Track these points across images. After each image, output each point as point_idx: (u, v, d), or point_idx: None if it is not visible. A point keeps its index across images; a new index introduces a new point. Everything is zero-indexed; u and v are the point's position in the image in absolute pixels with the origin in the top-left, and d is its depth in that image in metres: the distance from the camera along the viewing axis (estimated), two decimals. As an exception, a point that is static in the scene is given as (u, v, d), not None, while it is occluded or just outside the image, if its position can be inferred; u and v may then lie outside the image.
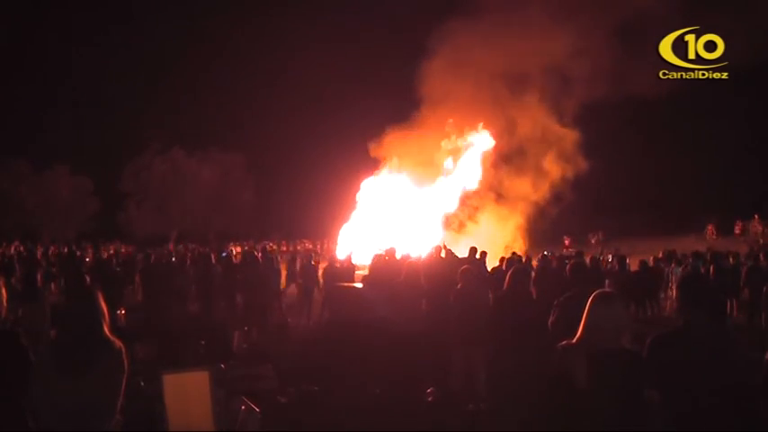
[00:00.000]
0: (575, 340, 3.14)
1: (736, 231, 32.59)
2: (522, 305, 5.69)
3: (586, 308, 3.13)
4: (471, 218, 23.65)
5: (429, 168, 24.02)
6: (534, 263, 13.20)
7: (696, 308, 3.05)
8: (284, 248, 27.06)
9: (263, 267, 12.25)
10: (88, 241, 29.42)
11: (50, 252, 22.12)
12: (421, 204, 23.20)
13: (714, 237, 31.99)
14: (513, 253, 14.41)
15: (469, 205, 23.84)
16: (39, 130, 44.78)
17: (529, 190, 22.48)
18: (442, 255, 11.30)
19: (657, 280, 13.64)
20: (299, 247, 27.92)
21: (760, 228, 30.63)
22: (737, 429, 2.88)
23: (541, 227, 23.34)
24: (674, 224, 32.45)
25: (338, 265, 13.29)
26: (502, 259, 12.35)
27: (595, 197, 34.33)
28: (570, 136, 21.91)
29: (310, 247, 28.09)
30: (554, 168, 22.05)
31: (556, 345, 3.25)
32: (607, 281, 11.99)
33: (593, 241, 31.01)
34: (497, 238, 21.97)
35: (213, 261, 13.08)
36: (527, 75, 22.14)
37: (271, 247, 30.19)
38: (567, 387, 3.04)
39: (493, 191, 23.49)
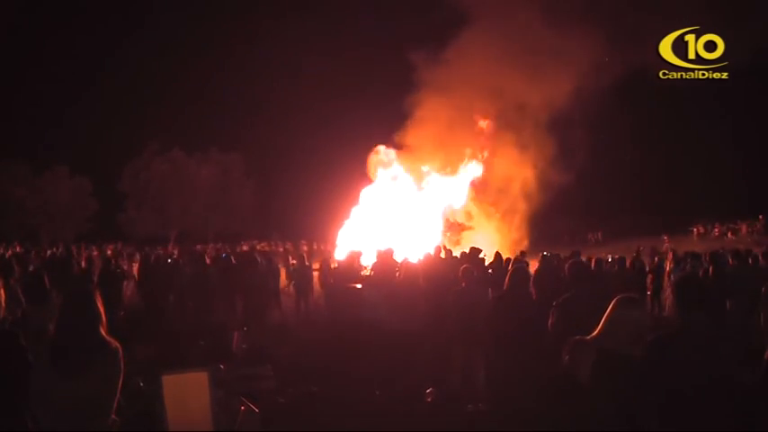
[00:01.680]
0: (589, 337, 3.14)
1: (715, 233, 32.94)
2: (521, 305, 5.68)
3: (608, 309, 3.13)
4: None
5: (433, 163, 24.07)
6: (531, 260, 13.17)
7: (693, 309, 3.03)
8: (266, 249, 26.89)
9: (263, 268, 12.25)
10: (85, 242, 29.40)
11: (52, 252, 22.06)
12: (422, 203, 23.20)
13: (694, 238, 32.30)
14: (522, 252, 14.42)
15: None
16: (38, 131, 44.82)
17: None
18: (442, 255, 11.26)
19: (658, 279, 13.59)
20: (281, 249, 27.68)
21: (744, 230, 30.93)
22: (736, 430, 2.88)
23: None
24: (671, 224, 32.62)
25: (340, 266, 13.17)
26: (497, 255, 12.25)
27: (595, 197, 34.42)
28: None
29: (291, 248, 27.61)
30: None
31: (556, 345, 3.25)
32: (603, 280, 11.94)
33: (591, 240, 30.98)
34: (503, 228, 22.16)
35: (208, 262, 13.06)
36: (526, 75, 22.14)
37: (263, 247, 30.03)
38: (570, 382, 3.04)
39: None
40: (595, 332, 3.13)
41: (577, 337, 3.20)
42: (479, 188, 24.35)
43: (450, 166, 24.31)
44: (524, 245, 21.03)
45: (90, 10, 48.32)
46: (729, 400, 2.86)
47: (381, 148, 23.91)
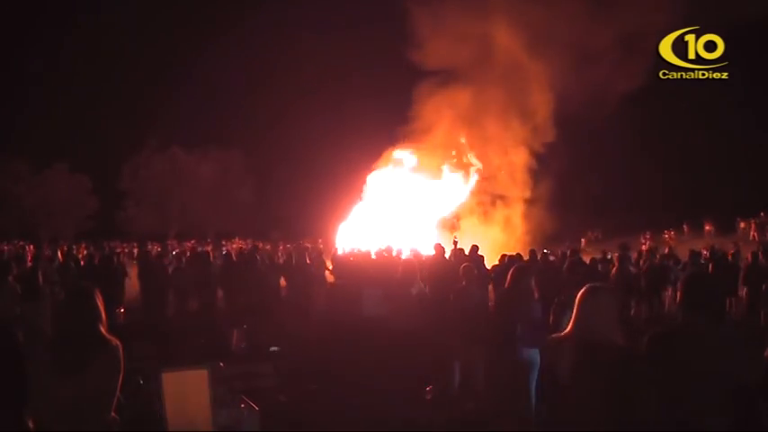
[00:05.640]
0: (563, 334, 3.13)
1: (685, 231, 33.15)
2: (523, 303, 5.68)
3: (576, 302, 3.12)
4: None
5: (434, 160, 24.05)
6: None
7: (697, 307, 3.02)
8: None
9: (263, 266, 12.23)
10: (85, 240, 29.40)
11: (52, 251, 22.07)
12: (425, 200, 23.19)
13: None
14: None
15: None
16: (37, 128, 44.72)
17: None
18: (450, 251, 11.16)
19: (661, 278, 13.55)
20: (267, 246, 27.57)
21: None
22: (736, 429, 2.86)
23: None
24: (671, 222, 32.72)
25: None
26: (503, 257, 12.23)
27: (594, 196, 34.44)
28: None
29: (269, 248, 27.28)
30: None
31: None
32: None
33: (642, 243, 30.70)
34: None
35: (211, 259, 13.05)
36: (525, 73, 22.13)
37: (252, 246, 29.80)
38: (552, 381, 3.02)
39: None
40: (569, 327, 3.11)
41: (553, 335, 3.18)
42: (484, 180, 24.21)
43: (453, 158, 24.24)
44: (525, 241, 21.04)
45: (89, 9, 48.28)
46: (729, 399, 2.85)
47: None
